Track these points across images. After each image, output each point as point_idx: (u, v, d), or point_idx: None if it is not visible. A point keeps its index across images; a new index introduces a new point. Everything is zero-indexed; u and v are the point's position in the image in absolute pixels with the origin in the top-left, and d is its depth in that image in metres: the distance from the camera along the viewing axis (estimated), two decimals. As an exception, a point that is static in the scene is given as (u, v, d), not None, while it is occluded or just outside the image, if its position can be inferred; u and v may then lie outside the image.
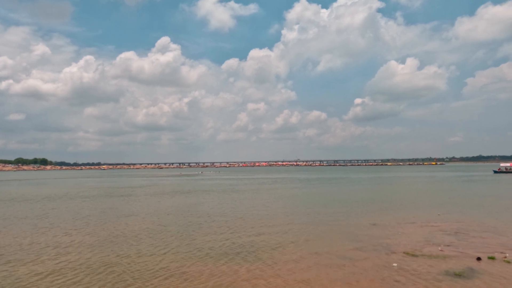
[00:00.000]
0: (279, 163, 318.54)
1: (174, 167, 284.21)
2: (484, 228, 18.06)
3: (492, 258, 12.61)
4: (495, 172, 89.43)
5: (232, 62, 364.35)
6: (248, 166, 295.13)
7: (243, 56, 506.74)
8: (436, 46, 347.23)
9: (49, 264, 12.68)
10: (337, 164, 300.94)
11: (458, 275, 10.85)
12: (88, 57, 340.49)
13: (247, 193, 41.66)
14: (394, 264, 12.00)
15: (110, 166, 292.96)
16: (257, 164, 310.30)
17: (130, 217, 23.35)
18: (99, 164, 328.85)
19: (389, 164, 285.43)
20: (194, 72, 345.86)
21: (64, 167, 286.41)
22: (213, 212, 25.45)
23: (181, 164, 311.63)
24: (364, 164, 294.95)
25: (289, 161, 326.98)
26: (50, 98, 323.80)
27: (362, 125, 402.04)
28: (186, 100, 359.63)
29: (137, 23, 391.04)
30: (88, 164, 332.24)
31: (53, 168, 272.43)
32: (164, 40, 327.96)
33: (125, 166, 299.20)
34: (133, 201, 33.43)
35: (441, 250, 13.76)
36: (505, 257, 12.64)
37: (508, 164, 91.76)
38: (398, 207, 26.85)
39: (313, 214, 24.08)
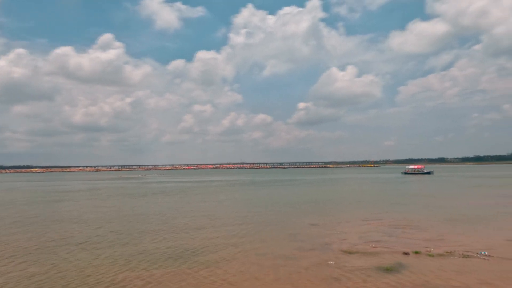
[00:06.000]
0: (225, 165, 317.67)
1: (114, 170, 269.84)
2: (411, 225, 19.52)
3: (417, 252, 13.63)
4: (404, 173, 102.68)
5: (179, 63, 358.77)
6: (193, 168, 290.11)
7: (189, 58, 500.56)
8: (373, 56, 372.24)
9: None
10: (282, 167, 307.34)
11: (388, 269, 11.56)
12: (20, 50, 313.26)
13: (190, 196, 40.89)
14: (331, 262, 12.47)
15: (42, 169, 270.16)
16: (202, 166, 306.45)
17: (63, 224, 21.69)
18: (28, 167, 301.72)
19: (330, 166, 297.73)
20: (138, 71, 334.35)
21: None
22: (153, 216, 24.56)
23: (122, 167, 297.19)
24: (307, 166, 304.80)
25: (235, 164, 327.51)
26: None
27: (306, 128, 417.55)
28: (129, 100, 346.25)
29: (75, 17, 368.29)
30: (15, 167, 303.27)
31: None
32: (107, 37, 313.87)
33: (58, 169, 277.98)
34: (68, 207, 31.11)
35: (373, 247, 14.59)
36: (429, 251, 13.74)
37: (414, 167, 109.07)
38: (337, 208, 28.11)
39: (257, 216, 24.28)
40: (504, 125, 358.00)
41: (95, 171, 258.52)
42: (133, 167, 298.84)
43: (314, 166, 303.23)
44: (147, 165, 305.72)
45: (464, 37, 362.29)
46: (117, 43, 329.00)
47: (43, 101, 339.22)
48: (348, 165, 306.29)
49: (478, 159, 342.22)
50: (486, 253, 13.30)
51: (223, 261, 12.92)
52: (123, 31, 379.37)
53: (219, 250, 14.67)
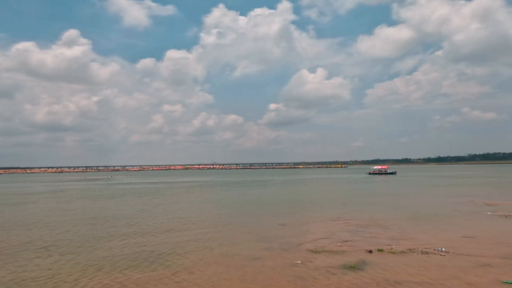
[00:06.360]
0: (195, 166, 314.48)
1: (79, 171, 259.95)
2: (375, 224, 20.31)
3: (381, 250, 14.24)
4: (369, 174, 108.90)
5: (148, 62, 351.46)
6: (162, 169, 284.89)
7: (159, 56, 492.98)
8: (342, 59, 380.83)
9: None
10: (252, 167, 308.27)
11: (353, 267, 12.03)
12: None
13: (160, 197, 40.30)
14: (298, 261, 12.81)
15: (1, 171, 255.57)
16: (172, 167, 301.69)
17: (26, 228, 20.78)
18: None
19: (300, 167, 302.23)
20: (105, 69, 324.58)
21: None
22: (123, 218, 24.05)
23: (87, 168, 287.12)
24: (278, 167, 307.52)
25: (206, 164, 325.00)
26: None
27: (276, 129, 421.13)
28: (95, 98, 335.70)
29: (37, 11, 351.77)
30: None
31: None
32: (72, 33, 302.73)
33: (19, 171, 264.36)
34: (31, 210, 29.78)
35: (339, 246, 15.10)
36: (391, 249, 14.40)
37: (378, 167, 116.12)
38: (306, 208, 28.70)
39: (228, 217, 24.40)
40: (463, 127, 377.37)
41: (59, 172, 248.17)
42: (100, 168, 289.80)
43: (285, 166, 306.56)
44: (115, 166, 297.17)
45: (427, 43, 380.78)
46: (83, 40, 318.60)
47: (2, 99, 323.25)
48: (317, 166, 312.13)
49: (439, 160, 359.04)
50: (444, 249, 14.11)
51: (197, 263, 12.94)
52: (89, 27, 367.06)
53: (193, 252, 14.66)
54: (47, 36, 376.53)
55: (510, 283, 10.17)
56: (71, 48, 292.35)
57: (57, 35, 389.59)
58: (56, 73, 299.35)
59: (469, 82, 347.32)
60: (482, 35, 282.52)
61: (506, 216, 22.23)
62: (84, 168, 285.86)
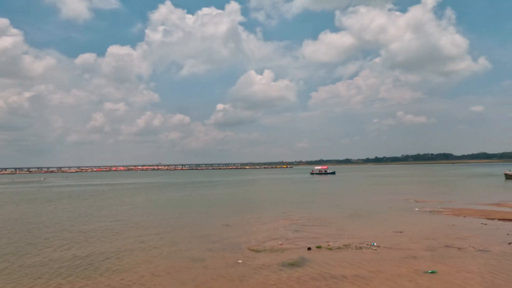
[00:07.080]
0: (139, 167, 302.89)
1: (7, 173, 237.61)
2: (316, 222, 21.17)
3: (319, 247, 14.88)
4: (311, 173, 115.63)
5: (88, 57, 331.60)
6: (103, 171, 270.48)
7: (101, 52, 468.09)
8: (288, 62, 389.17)
9: None
10: (199, 168, 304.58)
11: (292, 264, 12.44)
12: None
13: (102, 200, 38.31)
14: (239, 261, 12.97)
15: None
16: (114, 168, 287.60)
17: None
18: None
19: (247, 167, 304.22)
20: (39, 63, 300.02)
21: None
22: (61, 223, 22.53)
23: (17, 170, 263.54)
24: (225, 167, 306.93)
25: (151, 165, 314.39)
26: None
27: (224, 130, 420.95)
28: (28, 94, 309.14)
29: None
30: None
31: None
32: (1, 22, 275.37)
33: None
34: None
35: (280, 244, 15.52)
36: (329, 245, 15.11)
37: (319, 167, 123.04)
38: (251, 208, 29.07)
39: (173, 218, 23.95)
40: (398, 130, 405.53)
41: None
42: (32, 169, 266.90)
43: (232, 167, 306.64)
44: (49, 168, 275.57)
45: (366, 50, 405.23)
46: (14, 30, 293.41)
47: None
48: (264, 166, 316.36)
49: (377, 160, 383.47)
50: (376, 244, 15.13)
51: (129, 269, 12.49)
52: (21, 16, 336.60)
53: (133, 255, 14.19)
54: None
55: (430, 272, 11.21)
56: (0, 38, 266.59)
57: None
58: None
59: (403, 88, 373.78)
60: (414, 45, 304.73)
61: (431, 212, 24.37)
62: (13, 170, 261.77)
